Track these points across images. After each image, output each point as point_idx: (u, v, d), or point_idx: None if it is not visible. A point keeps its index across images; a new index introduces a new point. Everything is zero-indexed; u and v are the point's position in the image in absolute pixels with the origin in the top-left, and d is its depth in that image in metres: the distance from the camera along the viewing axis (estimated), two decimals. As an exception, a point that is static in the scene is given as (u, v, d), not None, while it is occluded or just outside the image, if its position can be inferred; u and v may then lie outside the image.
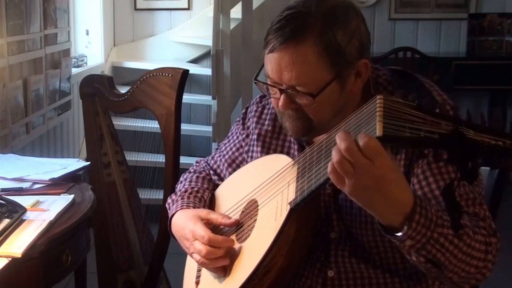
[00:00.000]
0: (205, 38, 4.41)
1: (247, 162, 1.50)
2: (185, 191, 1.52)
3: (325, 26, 1.21)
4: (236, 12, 3.96)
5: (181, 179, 1.62)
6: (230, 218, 1.35)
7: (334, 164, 1.02)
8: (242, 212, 1.37)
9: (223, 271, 1.32)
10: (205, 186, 1.55)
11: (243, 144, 1.53)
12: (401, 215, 1.06)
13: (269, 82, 1.28)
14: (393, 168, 1.03)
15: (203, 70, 4.57)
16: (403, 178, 1.06)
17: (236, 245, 1.32)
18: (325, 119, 1.27)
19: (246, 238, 1.31)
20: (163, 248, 2.25)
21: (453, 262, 1.12)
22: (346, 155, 1.00)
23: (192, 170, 1.64)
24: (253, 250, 1.27)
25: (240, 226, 1.35)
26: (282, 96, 1.26)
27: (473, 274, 1.15)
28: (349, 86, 1.26)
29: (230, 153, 1.56)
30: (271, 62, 1.24)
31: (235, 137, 1.57)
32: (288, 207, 1.20)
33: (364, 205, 1.06)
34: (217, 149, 1.63)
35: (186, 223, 1.39)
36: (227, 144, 1.58)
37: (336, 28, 1.21)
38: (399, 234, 1.08)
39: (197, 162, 1.67)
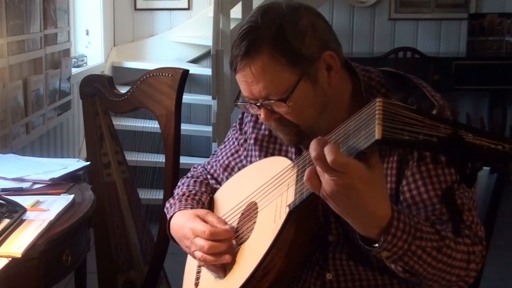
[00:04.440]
0: (205, 38, 4.42)
1: (245, 166, 1.50)
2: (183, 194, 1.52)
3: (274, 32, 1.23)
4: (236, 12, 3.96)
5: (178, 183, 1.62)
6: (226, 223, 1.36)
7: (310, 170, 1.05)
8: (242, 214, 1.37)
9: (223, 271, 1.32)
10: (203, 189, 1.55)
11: (241, 149, 1.53)
12: (377, 227, 1.08)
13: (246, 101, 1.30)
14: (367, 179, 1.02)
15: (203, 70, 4.57)
16: (381, 191, 1.06)
17: (236, 247, 1.32)
18: (310, 120, 1.28)
19: (245, 240, 1.31)
20: (163, 248, 2.25)
21: (432, 272, 1.13)
22: (315, 163, 1.02)
23: (189, 175, 1.64)
24: (252, 252, 1.27)
25: (239, 229, 1.35)
26: (261, 110, 1.28)
27: (454, 282, 1.17)
28: (324, 81, 1.27)
29: (224, 158, 1.57)
30: (240, 82, 1.28)
31: (231, 143, 1.57)
32: (287, 210, 1.21)
33: (338, 211, 1.07)
34: (213, 154, 1.63)
35: (185, 223, 1.39)
36: (223, 149, 1.59)
37: (285, 31, 1.23)
38: (376, 245, 1.09)
39: (194, 167, 1.67)
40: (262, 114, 1.28)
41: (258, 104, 1.27)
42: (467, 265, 1.16)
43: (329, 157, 0.99)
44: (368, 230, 1.09)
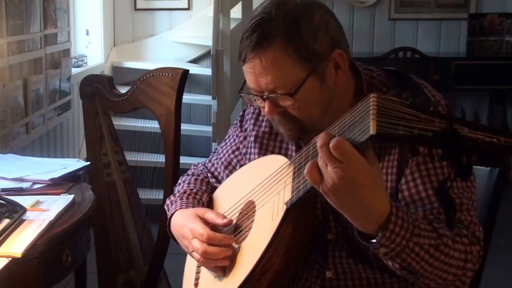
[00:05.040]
0: (205, 38, 4.42)
1: (245, 164, 1.50)
2: (184, 192, 1.52)
3: (288, 26, 1.23)
4: (236, 12, 3.96)
5: (179, 181, 1.62)
6: (225, 217, 1.36)
7: (311, 163, 1.05)
8: (240, 213, 1.37)
9: (223, 270, 1.32)
10: (204, 188, 1.55)
11: (241, 146, 1.53)
12: (375, 223, 1.07)
13: (252, 93, 1.30)
14: (368, 174, 1.02)
15: (203, 70, 4.58)
16: (380, 186, 1.06)
17: (234, 246, 1.32)
18: (314, 116, 1.28)
19: (243, 239, 1.31)
20: (163, 248, 2.25)
21: (429, 270, 1.14)
22: (320, 152, 1.03)
23: (190, 173, 1.64)
24: (250, 251, 1.27)
25: (238, 228, 1.35)
26: (266, 103, 1.28)
27: (451, 281, 1.17)
28: (331, 79, 1.27)
29: (226, 155, 1.57)
30: (247, 73, 1.28)
31: (231, 140, 1.57)
32: (285, 207, 1.21)
33: (337, 206, 1.07)
34: (214, 152, 1.63)
35: (185, 222, 1.39)
36: (224, 147, 1.59)
37: (299, 26, 1.23)
38: (374, 241, 1.09)
39: (194, 165, 1.67)
40: (266, 107, 1.28)
41: (264, 96, 1.27)
42: (464, 264, 1.16)
43: (334, 142, 1.00)
44: (367, 226, 1.09)
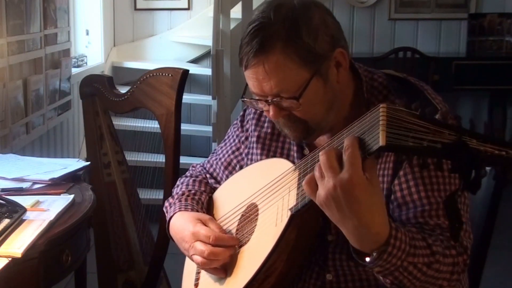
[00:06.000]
0: (205, 38, 4.42)
1: (246, 165, 1.49)
2: (182, 194, 1.52)
3: (288, 29, 1.22)
4: (236, 12, 3.96)
5: (177, 183, 1.62)
6: (226, 232, 1.36)
7: (311, 176, 1.06)
8: (242, 216, 1.36)
9: (224, 273, 1.32)
10: (202, 189, 1.55)
11: (242, 146, 1.53)
12: (373, 244, 1.07)
13: (255, 97, 1.29)
14: (366, 188, 1.02)
15: (203, 70, 4.57)
16: (378, 205, 1.05)
17: (236, 250, 1.32)
18: (319, 116, 1.28)
19: (246, 243, 1.31)
20: (163, 248, 2.25)
21: (418, 285, 1.15)
22: (322, 158, 1.03)
23: (188, 174, 1.64)
24: (253, 255, 1.26)
25: (239, 230, 1.35)
26: (270, 107, 1.27)
27: None
28: (334, 78, 1.27)
29: (226, 156, 1.56)
30: (250, 78, 1.27)
31: (231, 140, 1.57)
32: (289, 213, 1.20)
33: (334, 220, 1.07)
34: (213, 153, 1.63)
35: (185, 225, 1.39)
36: (224, 147, 1.58)
37: (299, 29, 1.23)
38: (368, 259, 1.09)
39: (193, 166, 1.66)
40: (271, 111, 1.27)
41: (268, 100, 1.26)
42: (450, 276, 1.17)
43: (348, 141, 1.00)
44: (363, 245, 1.08)
